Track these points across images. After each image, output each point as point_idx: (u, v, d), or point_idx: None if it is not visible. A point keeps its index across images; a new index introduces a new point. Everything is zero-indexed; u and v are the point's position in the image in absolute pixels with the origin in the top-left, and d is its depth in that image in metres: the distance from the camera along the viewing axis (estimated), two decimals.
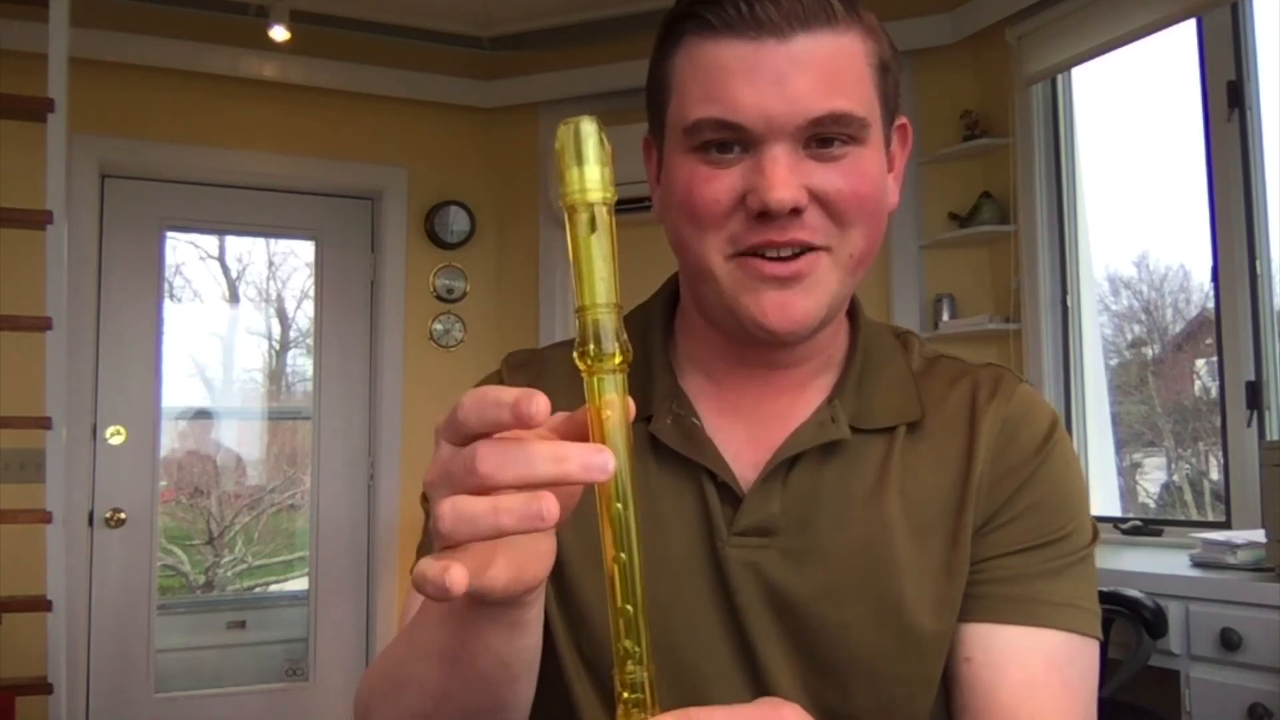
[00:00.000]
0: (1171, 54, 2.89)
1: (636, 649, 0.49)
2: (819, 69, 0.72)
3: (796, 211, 0.72)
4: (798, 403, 0.81)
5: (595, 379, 0.49)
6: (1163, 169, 3.11)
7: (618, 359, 0.48)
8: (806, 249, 0.74)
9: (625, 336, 0.49)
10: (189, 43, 3.61)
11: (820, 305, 0.75)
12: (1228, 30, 2.68)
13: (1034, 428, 0.81)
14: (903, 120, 0.81)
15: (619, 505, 0.49)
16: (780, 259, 0.74)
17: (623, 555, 0.49)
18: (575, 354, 0.49)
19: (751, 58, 0.71)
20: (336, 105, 3.87)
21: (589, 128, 0.48)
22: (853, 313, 0.85)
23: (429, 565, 0.48)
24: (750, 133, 0.72)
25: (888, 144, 0.79)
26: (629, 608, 0.49)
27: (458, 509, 0.47)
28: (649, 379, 0.83)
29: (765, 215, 0.72)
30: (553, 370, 0.85)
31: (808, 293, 0.74)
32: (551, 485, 0.47)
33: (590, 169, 0.48)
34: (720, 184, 0.73)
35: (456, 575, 0.47)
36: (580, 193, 0.48)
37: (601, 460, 0.47)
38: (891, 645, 0.76)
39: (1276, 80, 2.62)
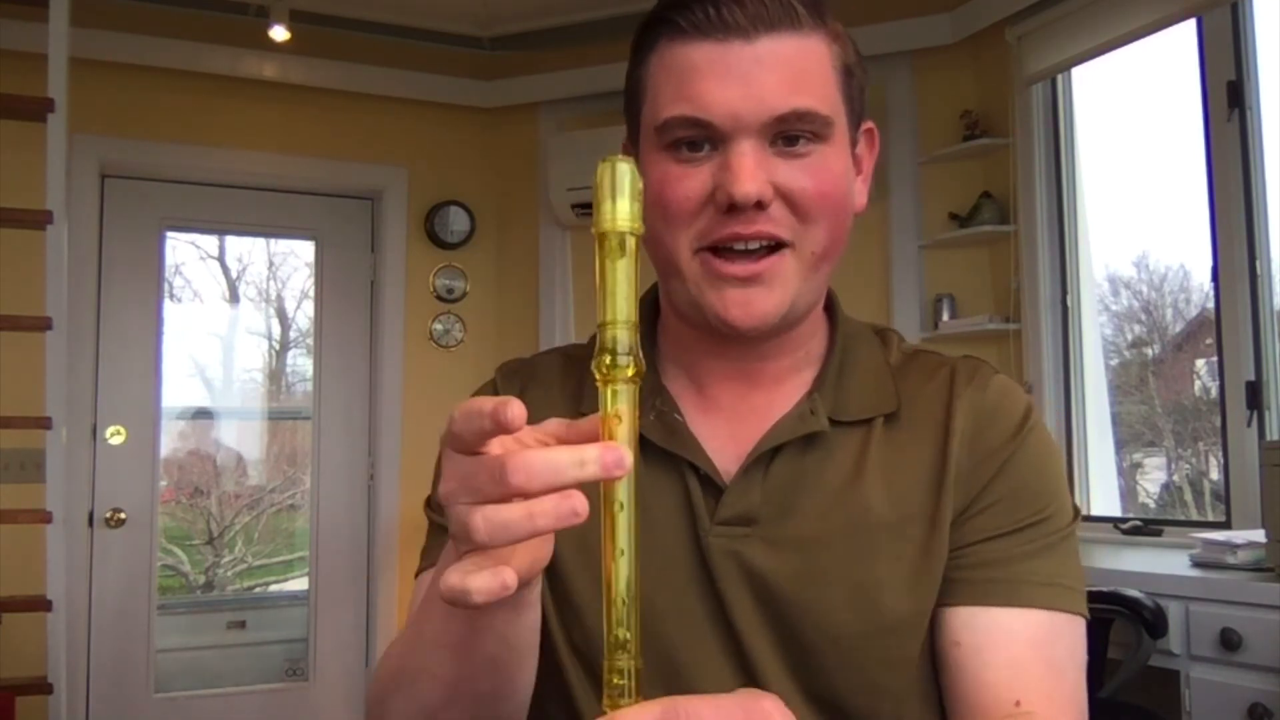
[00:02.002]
0: (1171, 54, 2.89)
1: (629, 639, 0.52)
2: (783, 68, 0.75)
3: (761, 205, 0.75)
4: (778, 397, 0.84)
5: (610, 389, 0.52)
6: (1163, 169, 3.11)
7: (630, 371, 0.52)
8: (771, 247, 0.77)
9: (640, 352, 0.52)
10: (189, 43, 3.62)
11: (783, 302, 0.78)
12: (1228, 30, 2.68)
13: (1008, 416, 0.83)
14: (870, 124, 0.85)
15: (620, 504, 0.52)
16: (747, 252, 0.77)
17: (622, 551, 0.52)
18: (593, 364, 0.52)
19: (719, 59, 0.75)
20: (336, 105, 3.88)
21: (624, 167, 0.53)
22: (831, 310, 0.89)
23: (472, 576, 0.50)
24: (718, 129, 0.76)
25: (854, 145, 0.82)
26: (623, 602, 0.52)
27: (490, 519, 0.50)
28: None
29: (733, 209, 0.75)
30: (540, 376, 0.90)
31: (770, 290, 0.78)
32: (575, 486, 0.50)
33: (622, 203, 0.53)
34: (691, 181, 0.77)
35: (510, 578, 0.51)
36: (611, 222, 0.52)
37: (617, 457, 0.50)
38: (869, 628, 0.78)
39: (1276, 80, 2.62)
